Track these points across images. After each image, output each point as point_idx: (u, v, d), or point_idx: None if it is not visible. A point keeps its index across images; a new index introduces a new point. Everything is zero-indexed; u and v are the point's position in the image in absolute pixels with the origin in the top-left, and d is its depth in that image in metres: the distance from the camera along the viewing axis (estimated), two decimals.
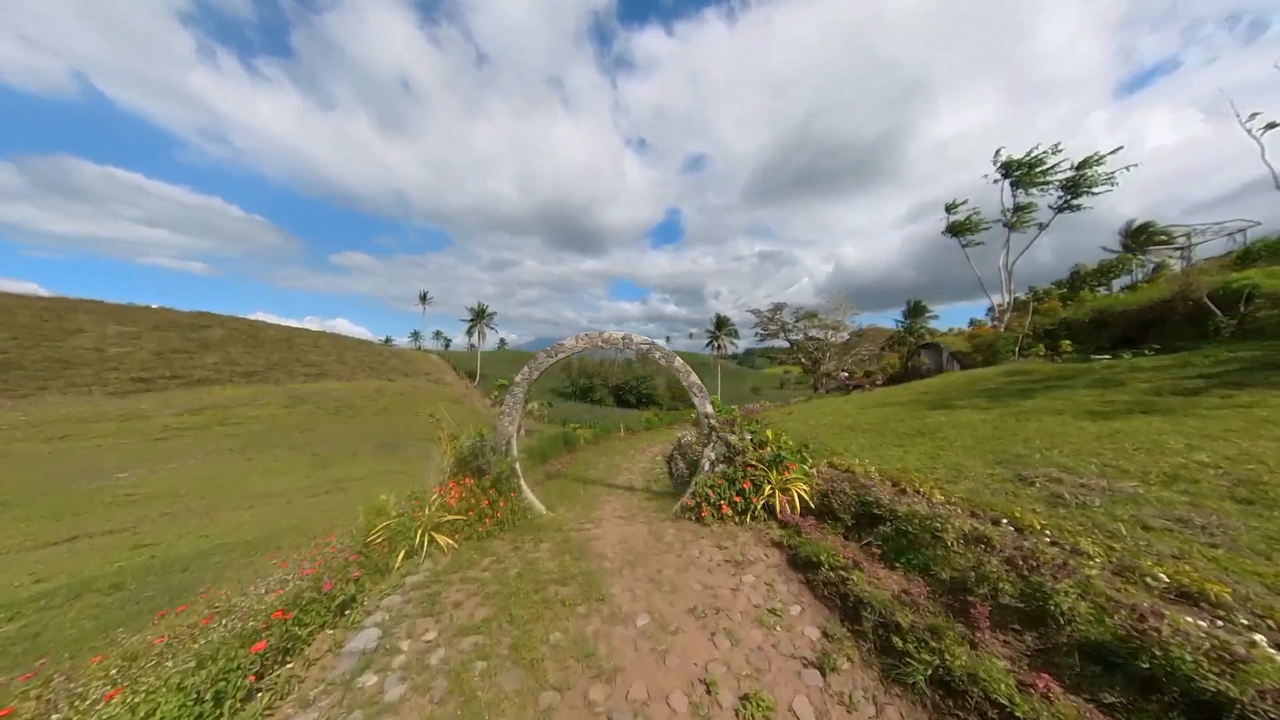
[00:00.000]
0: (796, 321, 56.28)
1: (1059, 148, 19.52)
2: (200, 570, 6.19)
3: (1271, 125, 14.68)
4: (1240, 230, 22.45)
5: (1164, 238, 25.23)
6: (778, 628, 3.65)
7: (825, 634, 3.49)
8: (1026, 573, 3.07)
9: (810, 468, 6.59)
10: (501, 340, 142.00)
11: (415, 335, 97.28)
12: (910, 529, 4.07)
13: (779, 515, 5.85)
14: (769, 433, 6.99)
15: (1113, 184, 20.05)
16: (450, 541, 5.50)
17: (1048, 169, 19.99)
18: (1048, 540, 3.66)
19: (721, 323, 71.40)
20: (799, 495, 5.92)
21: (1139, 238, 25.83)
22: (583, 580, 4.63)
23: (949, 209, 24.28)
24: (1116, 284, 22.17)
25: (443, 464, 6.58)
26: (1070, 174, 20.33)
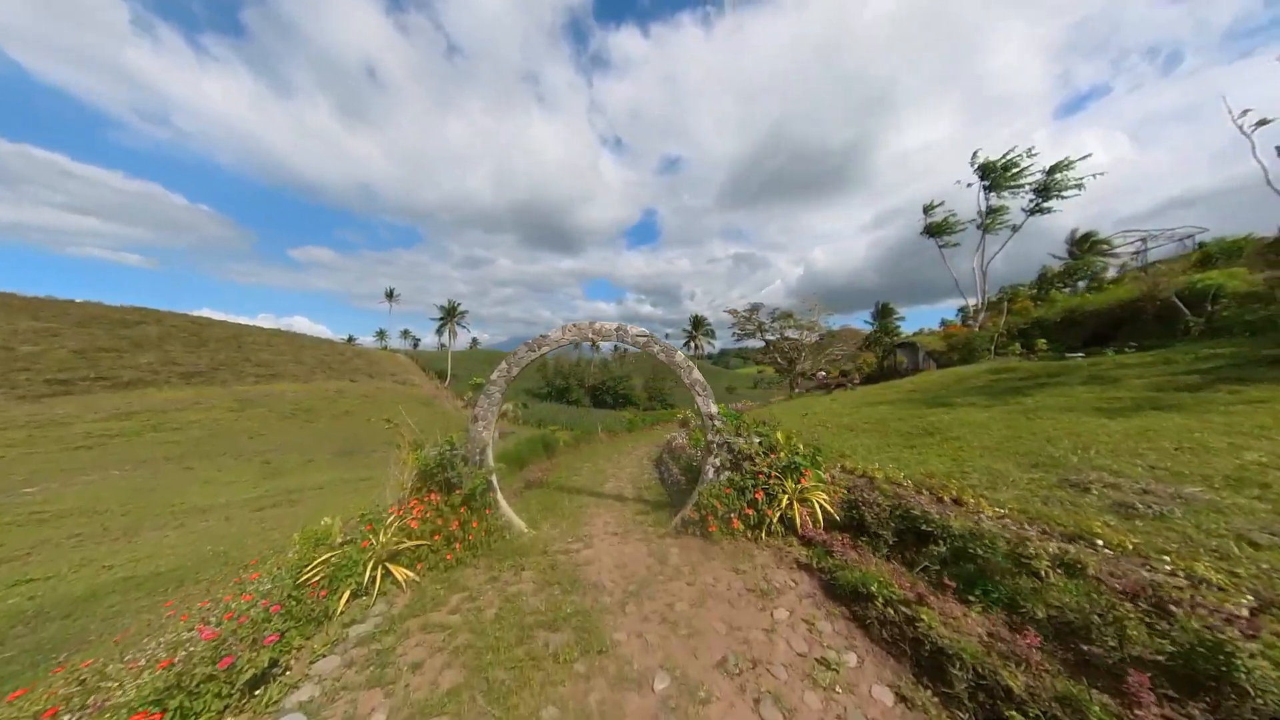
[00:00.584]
0: (773, 321, 56.87)
1: (1033, 151, 19.97)
2: (86, 617, 4.87)
3: (1263, 122, 15.14)
4: (1189, 235, 23.63)
5: (1105, 245, 26.73)
6: (837, 688, 2.86)
7: (902, 697, 2.73)
8: (1166, 615, 2.40)
9: (824, 474, 5.90)
10: (474, 339, 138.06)
11: (381, 334, 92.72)
12: (979, 551, 3.37)
13: (800, 530, 5.12)
14: (779, 435, 6.26)
15: (1080, 189, 20.60)
16: (410, 575, 4.47)
17: (1020, 171, 20.37)
18: (1167, 569, 3.02)
19: (698, 322, 71.32)
20: (820, 506, 5.20)
21: (1083, 246, 27.87)
22: (578, 623, 3.72)
23: (927, 210, 24.56)
24: (1081, 285, 22.87)
25: (403, 478, 5.52)
26: (1041, 178, 20.77)
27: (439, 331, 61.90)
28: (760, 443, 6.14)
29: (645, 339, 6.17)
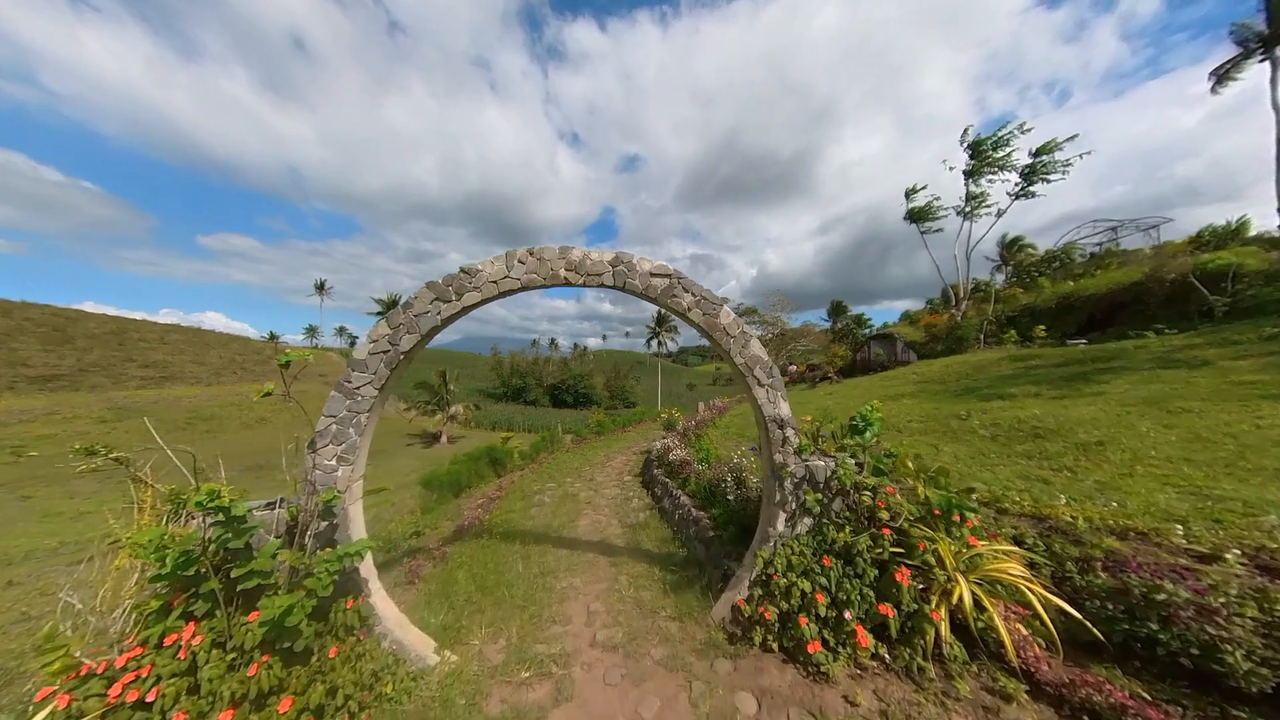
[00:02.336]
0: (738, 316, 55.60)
1: (1025, 128, 18.98)
2: None
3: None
4: (1154, 226, 23.82)
5: (1031, 249, 27.35)
6: None
7: None
8: None
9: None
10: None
11: (311, 330, 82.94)
12: None
13: (1013, 658, 2.48)
14: (899, 452, 3.60)
15: (1066, 173, 19.83)
16: None
17: (1010, 152, 19.34)
18: None
19: (662, 319, 69.14)
20: (1036, 598, 2.59)
21: (1011, 249, 29.09)
22: None
23: (908, 194, 23.33)
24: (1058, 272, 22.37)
25: (120, 592, 2.39)
26: (1028, 160, 19.86)
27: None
28: (861, 463, 3.48)
29: (665, 282, 3.34)
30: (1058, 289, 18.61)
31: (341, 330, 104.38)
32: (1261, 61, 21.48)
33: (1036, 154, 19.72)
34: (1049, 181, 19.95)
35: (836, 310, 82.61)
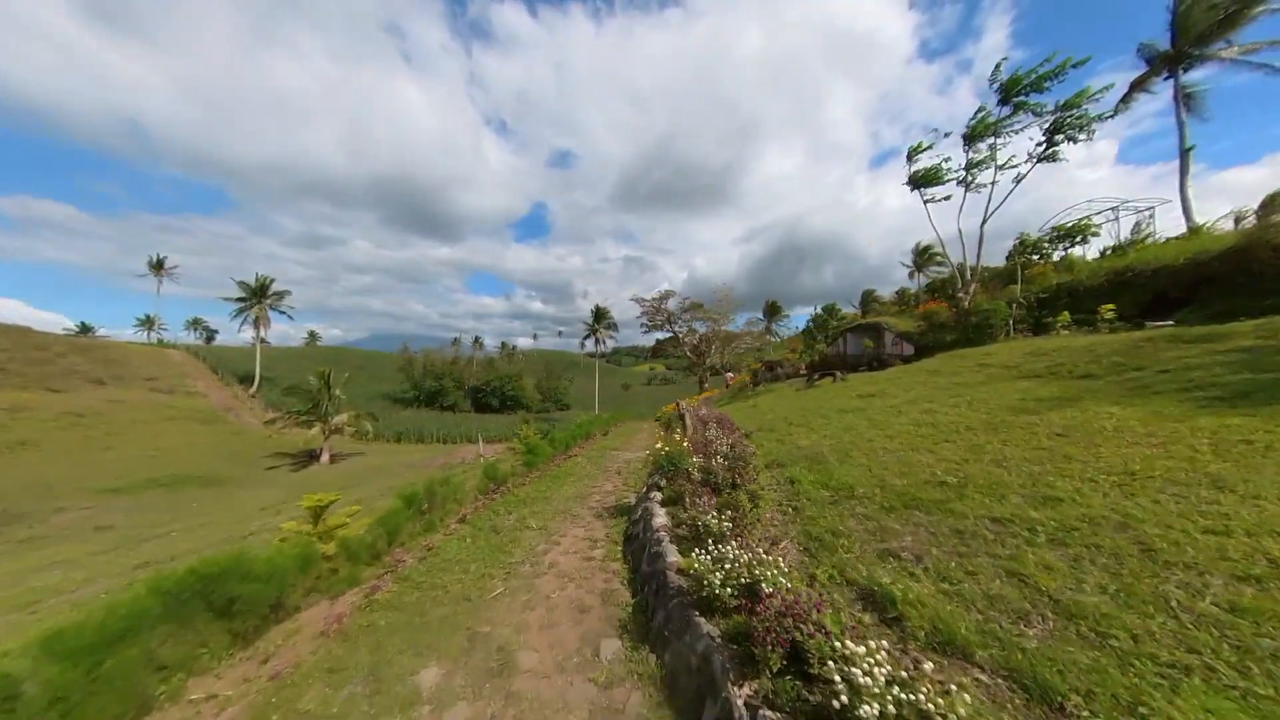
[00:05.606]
0: (682, 312, 50.99)
1: (1078, 62, 15.55)
2: None
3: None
4: (1149, 209, 22.40)
5: (940, 257, 26.99)
6: None
7: None
8: None
9: None
10: (311, 333, 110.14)
11: (147, 321, 63.19)
12: None
13: None
14: None
15: (1091, 134, 16.86)
16: None
17: (1056, 83, 15.96)
18: None
19: (601, 314, 62.88)
20: None
21: (923, 256, 30.08)
22: None
23: (911, 155, 19.54)
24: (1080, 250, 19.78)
25: None
26: (1055, 115, 16.61)
27: (236, 315, 42.72)
28: None
29: None
30: (1106, 264, 15.40)
31: (196, 323, 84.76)
32: (1165, 80, 22.10)
33: (1065, 107, 16.48)
34: (1076, 141, 16.86)
35: (772, 310, 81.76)
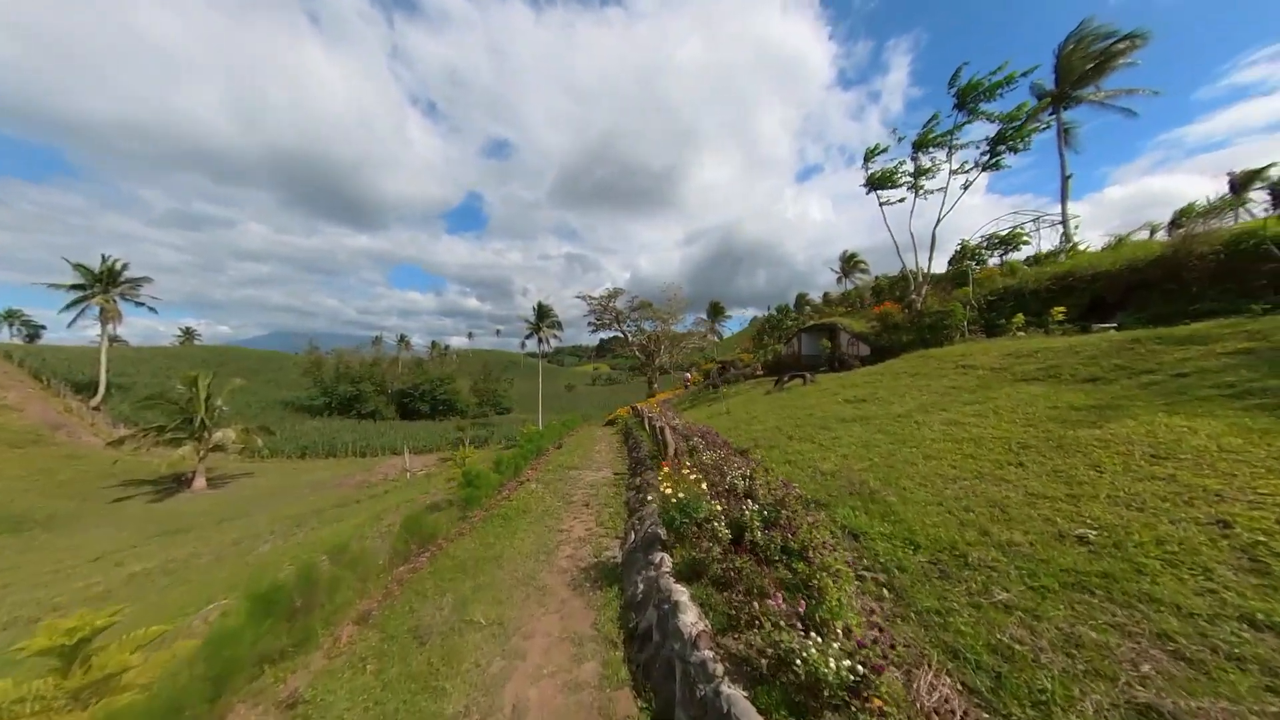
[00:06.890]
0: (631, 311, 49.58)
1: (1028, 71, 16.10)
2: None
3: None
4: (1060, 220, 24.50)
5: (863, 264, 29.50)
6: None
7: None
8: None
9: None
10: (187, 330, 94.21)
11: None
12: None
13: None
14: None
15: (1028, 144, 17.76)
16: None
17: (1008, 91, 16.50)
18: None
19: (544, 312, 59.70)
20: None
21: (849, 263, 32.76)
22: None
23: (868, 158, 19.57)
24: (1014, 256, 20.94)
25: None
26: (999, 126, 17.26)
27: (71, 308, 34.11)
28: None
29: None
30: (1049, 269, 16.11)
31: (11, 316, 68.77)
32: (1051, 115, 24.36)
33: (1007, 120, 17.16)
34: (1016, 151, 17.65)
35: (715, 311, 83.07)
